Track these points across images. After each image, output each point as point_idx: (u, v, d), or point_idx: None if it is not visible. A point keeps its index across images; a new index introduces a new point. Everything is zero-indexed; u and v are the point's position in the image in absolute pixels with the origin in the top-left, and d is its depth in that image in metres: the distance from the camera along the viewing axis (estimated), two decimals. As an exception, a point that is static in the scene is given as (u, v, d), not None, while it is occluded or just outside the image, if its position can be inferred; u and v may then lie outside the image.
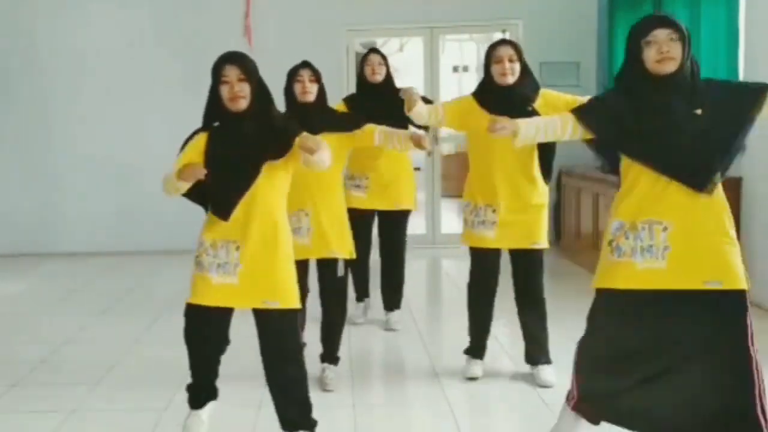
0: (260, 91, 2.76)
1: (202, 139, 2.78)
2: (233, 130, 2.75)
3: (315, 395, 3.52)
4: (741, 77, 4.89)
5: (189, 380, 2.98)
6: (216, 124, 2.80)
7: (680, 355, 2.52)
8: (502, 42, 3.50)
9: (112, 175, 7.23)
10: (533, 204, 3.48)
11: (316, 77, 3.55)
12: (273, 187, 2.78)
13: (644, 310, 2.55)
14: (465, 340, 3.99)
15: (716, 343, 2.48)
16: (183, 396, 3.37)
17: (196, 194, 2.83)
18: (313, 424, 2.89)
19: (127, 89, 7.24)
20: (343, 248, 3.55)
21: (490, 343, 3.93)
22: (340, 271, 3.56)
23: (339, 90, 6.36)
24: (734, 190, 4.88)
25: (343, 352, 4.01)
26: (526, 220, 3.47)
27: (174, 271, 6.35)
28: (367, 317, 4.73)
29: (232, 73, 2.72)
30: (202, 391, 2.99)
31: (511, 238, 3.49)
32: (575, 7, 7.01)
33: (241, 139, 2.72)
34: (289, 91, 3.56)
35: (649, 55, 2.48)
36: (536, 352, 3.60)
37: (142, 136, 7.25)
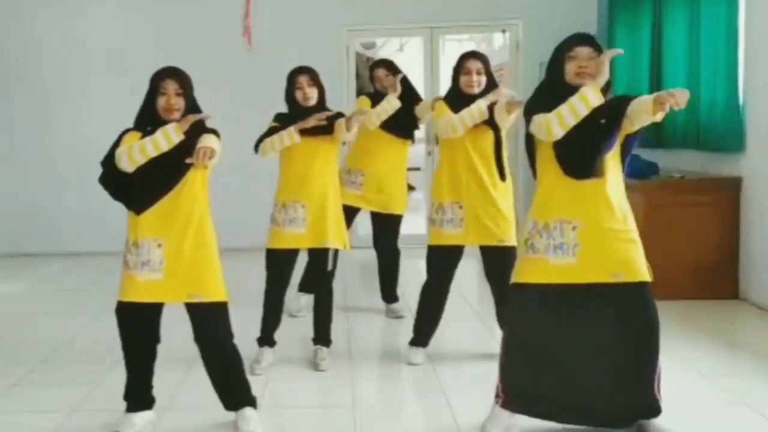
0: (192, 106, 2.95)
1: (137, 135, 2.92)
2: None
3: (315, 395, 3.54)
4: (741, 77, 4.89)
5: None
6: (149, 128, 2.94)
7: (593, 345, 2.78)
8: (472, 54, 3.70)
9: (112, 175, 7.22)
10: (498, 200, 3.64)
11: (315, 80, 3.72)
12: (195, 186, 2.92)
13: (559, 303, 2.77)
14: (464, 341, 4.02)
15: (624, 332, 2.75)
16: (182, 396, 3.38)
17: (117, 187, 2.94)
18: (253, 400, 3.09)
19: (127, 89, 7.19)
20: (339, 239, 3.75)
21: (487, 334, 3.94)
22: (330, 265, 3.77)
23: (339, 90, 6.38)
24: (734, 190, 4.89)
25: (342, 351, 4.01)
26: (491, 216, 3.63)
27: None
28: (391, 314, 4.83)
29: (171, 86, 2.92)
30: (136, 394, 3.07)
31: (478, 234, 3.66)
32: (575, 7, 7.00)
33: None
34: (290, 96, 3.75)
35: (570, 69, 2.76)
36: None
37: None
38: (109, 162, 2.95)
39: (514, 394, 2.89)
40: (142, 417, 3.07)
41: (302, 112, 3.69)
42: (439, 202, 3.70)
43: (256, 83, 6.78)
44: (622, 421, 2.86)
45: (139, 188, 2.88)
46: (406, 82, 4.53)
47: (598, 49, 2.77)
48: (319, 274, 3.81)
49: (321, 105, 3.74)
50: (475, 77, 3.61)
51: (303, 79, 3.68)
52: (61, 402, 3.40)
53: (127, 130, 2.98)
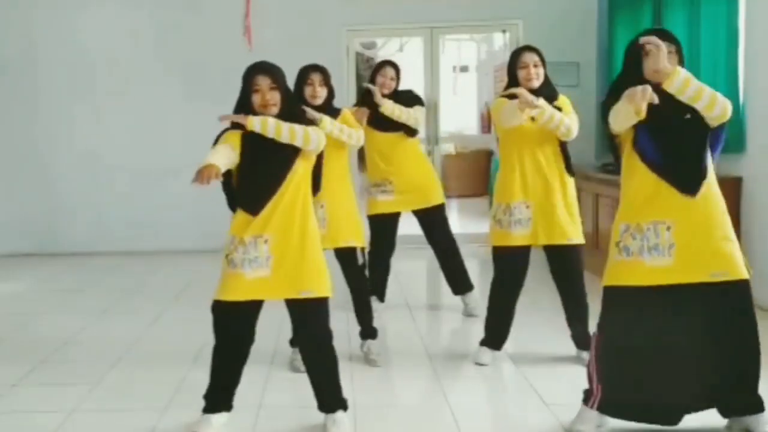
0: (288, 97, 2.92)
1: (237, 134, 2.86)
2: (265, 136, 2.83)
3: (311, 396, 3.53)
4: (741, 77, 4.89)
5: (205, 386, 3.03)
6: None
7: (692, 345, 2.71)
8: (527, 48, 3.64)
9: (112, 175, 7.23)
10: (564, 199, 3.60)
11: (326, 81, 3.75)
12: (297, 180, 2.89)
13: (656, 303, 2.71)
14: (464, 342, 4.00)
15: (724, 331, 2.70)
16: (182, 396, 3.38)
17: (228, 191, 2.94)
18: (346, 404, 3.07)
19: (127, 89, 7.24)
20: (358, 237, 3.81)
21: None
22: (360, 259, 3.83)
23: (338, 90, 6.36)
24: (734, 190, 4.88)
25: (343, 351, 4.00)
26: (558, 215, 3.58)
27: (174, 271, 6.36)
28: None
29: (263, 82, 2.86)
30: (218, 395, 3.03)
31: (546, 234, 3.59)
32: (575, 7, 7.01)
33: (273, 143, 2.83)
34: (297, 91, 3.70)
35: (648, 65, 2.67)
36: (581, 337, 3.73)
37: (142, 136, 7.25)
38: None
39: (613, 398, 2.82)
40: (219, 418, 3.04)
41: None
42: (507, 203, 3.62)
43: (256, 83, 6.77)
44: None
45: (248, 191, 2.86)
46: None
47: (675, 43, 2.71)
48: (352, 271, 3.86)
49: (327, 106, 3.74)
50: (533, 69, 3.54)
51: (316, 77, 3.69)
52: (61, 402, 3.40)
53: (226, 130, 2.92)
